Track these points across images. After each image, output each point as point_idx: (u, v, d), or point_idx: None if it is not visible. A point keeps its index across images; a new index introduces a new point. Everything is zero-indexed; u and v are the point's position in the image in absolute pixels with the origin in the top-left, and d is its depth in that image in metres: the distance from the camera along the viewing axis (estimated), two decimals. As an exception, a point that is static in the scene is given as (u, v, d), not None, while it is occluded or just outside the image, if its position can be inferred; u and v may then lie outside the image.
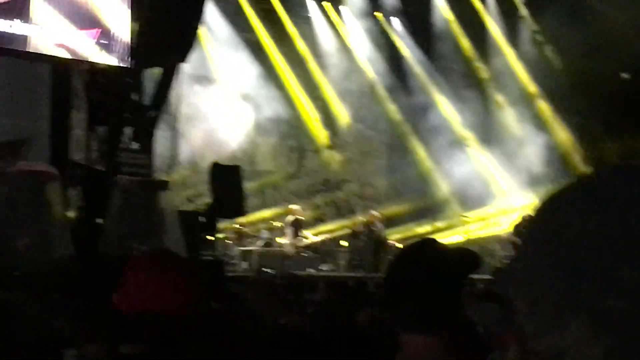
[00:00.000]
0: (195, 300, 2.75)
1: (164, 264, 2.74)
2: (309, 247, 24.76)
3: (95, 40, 15.14)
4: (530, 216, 1.11)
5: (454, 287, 2.57)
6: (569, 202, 1.03)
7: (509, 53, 28.64)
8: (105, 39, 15.24)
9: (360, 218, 26.16)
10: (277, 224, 25.49)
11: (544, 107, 27.81)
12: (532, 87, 28.01)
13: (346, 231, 25.89)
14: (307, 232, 24.81)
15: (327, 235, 26.58)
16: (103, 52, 15.32)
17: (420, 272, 2.59)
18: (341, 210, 29.04)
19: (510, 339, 0.93)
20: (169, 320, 2.62)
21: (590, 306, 0.92)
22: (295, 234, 23.80)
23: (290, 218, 24.15)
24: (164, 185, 16.78)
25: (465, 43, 28.81)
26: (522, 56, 28.42)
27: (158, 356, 2.57)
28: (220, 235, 20.28)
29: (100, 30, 15.19)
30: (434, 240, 2.80)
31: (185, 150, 23.49)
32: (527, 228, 1.09)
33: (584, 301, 0.93)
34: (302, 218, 25.01)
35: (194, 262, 16.77)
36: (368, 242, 24.08)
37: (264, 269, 16.20)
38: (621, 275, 0.93)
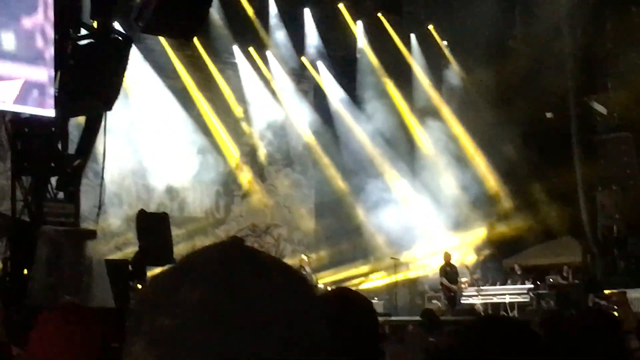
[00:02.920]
0: (104, 351, 2.71)
1: (70, 317, 2.70)
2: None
3: (19, 90, 15.00)
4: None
5: None
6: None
7: (433, 95, 29.04)
8: (29, 89, 15.11)
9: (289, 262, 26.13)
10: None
11: (470, 148, 28.16)
12: (457, 128, 28.36)
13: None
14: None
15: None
16: (27, 102, 15.18)
17: None
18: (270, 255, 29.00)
19: None
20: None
21: (148, 326, 1.13)
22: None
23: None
24: (90, 234, 16.59)
25: (389, 84, 29.16)
26: (446, 98, 28.82)
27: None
28: (149, 283, 20.09)
29: (24, 80, 15.06)
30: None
31: (111, 199, 23.33)
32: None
33: (144, 322, 1.14)
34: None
35: (103, 311, 16.52)
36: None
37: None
38: (174, 297, 1.13)
